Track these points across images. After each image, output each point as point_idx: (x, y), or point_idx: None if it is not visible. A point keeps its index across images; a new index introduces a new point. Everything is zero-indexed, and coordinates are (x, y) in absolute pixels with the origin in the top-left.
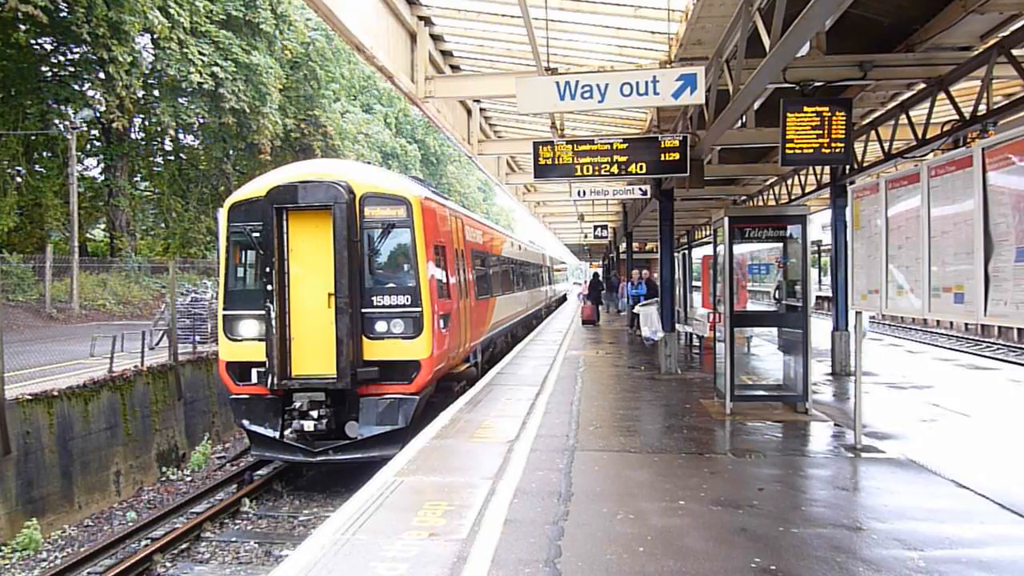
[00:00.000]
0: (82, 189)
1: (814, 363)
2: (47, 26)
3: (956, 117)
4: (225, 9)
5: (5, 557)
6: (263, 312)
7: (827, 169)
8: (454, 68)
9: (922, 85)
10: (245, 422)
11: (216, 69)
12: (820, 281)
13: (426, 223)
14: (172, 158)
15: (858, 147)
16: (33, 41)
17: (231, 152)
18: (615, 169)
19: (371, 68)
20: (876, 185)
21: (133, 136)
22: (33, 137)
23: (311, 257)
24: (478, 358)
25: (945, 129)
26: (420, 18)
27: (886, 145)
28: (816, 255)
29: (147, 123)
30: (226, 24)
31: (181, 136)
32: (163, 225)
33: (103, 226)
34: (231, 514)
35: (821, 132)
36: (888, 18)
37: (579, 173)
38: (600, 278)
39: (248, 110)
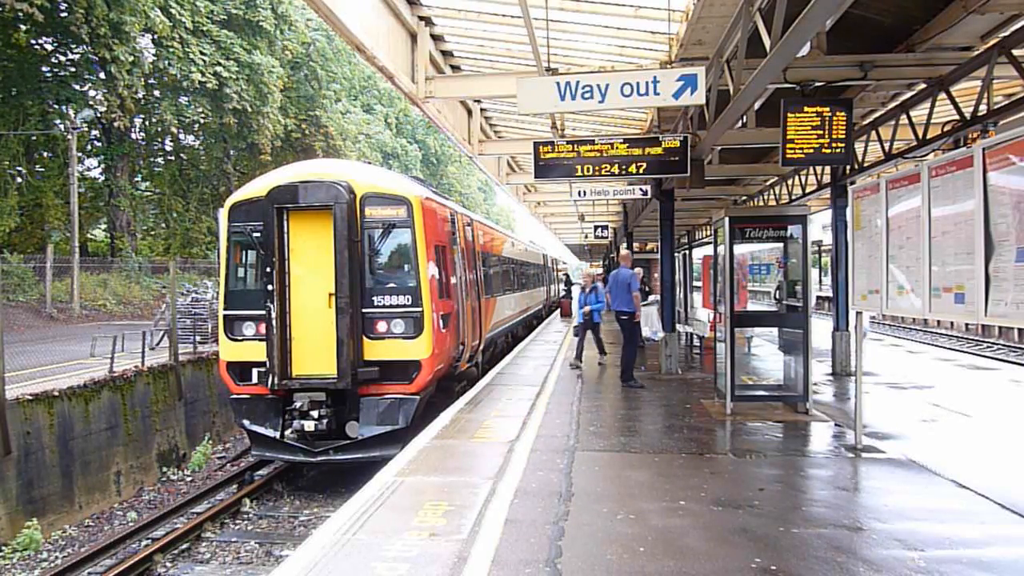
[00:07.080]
0: (83, 189)
1: (814, 363)
2: (47, 26)
3: (956, 117)
4: (225, 9)
5: (5, 557)
6: (264, 312)
7: (827, 169)
8: (454, 68)
9: (923, 85)
10: (245, 422)
11: (219, 69)
12: (820, 281)
13: (427, 223)
14: (173, 158)
15: (858, 147)
16: (33, 41)
17: (232, 152)
18: (615, 169)
19: (372, 68)
20: (876, 185)
21: (133, 136)
22: (34, 137)
23: (312, 257)
24: (478, 358)
25: (946, 129)
26: (420, 18)
27: (886, 145)
28: (816, 255)
29: (148, 123)
30: (227, 24)
31: (181, 136)
32: (164, 225)
33: (104, 226)
34: (231, 514)
35: (822, 132)
36: (888, 18)
37: (579, 173)
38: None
39: (250, 109)
